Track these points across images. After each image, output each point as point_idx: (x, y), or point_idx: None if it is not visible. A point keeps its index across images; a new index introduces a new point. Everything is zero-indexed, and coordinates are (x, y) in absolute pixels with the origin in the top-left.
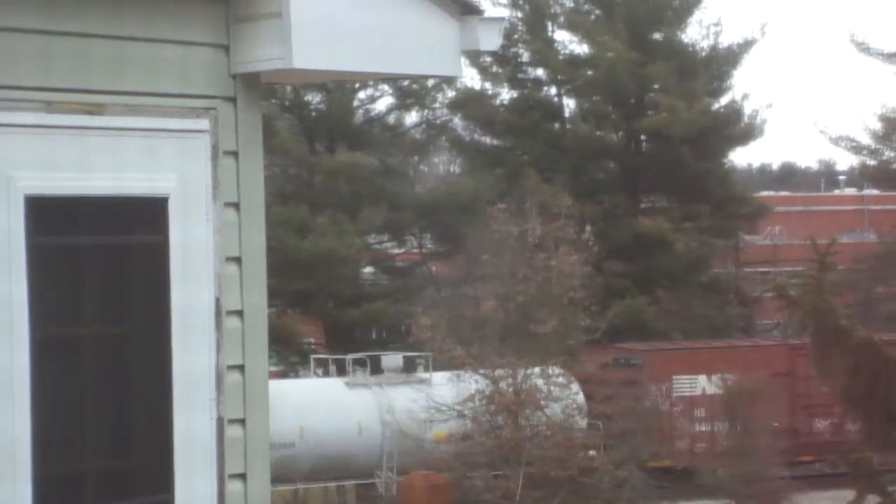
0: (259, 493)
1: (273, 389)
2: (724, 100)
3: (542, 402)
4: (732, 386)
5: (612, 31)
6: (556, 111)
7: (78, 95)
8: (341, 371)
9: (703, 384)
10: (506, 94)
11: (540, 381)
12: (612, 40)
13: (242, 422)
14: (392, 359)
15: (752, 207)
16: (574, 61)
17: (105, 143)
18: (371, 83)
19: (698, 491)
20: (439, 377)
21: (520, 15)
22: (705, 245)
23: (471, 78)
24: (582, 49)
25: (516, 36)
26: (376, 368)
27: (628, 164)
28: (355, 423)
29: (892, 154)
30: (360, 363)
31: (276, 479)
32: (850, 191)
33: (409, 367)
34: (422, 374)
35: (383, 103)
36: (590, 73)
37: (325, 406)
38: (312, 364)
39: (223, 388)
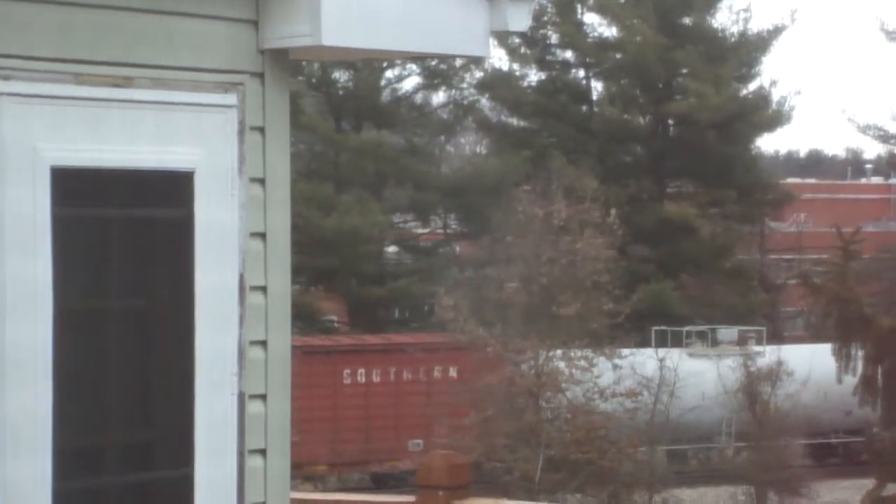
0: (279, 468)
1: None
2: (752, 86)
3: (564, 385)
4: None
5: (642, 15)
6: (583, 94)
7: (106, 68)
8: (676, 342)
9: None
10: (534, 76)
11: (562, 364)
12: (641, 24)
13: (264, 397)
14: (727, 332)
15: (778, 194)
16: (603, 44)
17: (131, 116)
18: (398, 62)
19: (719, 477)
20: (771, 350)
21: None
22: (730, 231)
23: (499, 59)
24: (611, 32)
25: (545, 18)
26: (713, 341)
27: (655, 148)
28: (698, 391)
29: None
30: (700, 335)
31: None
32: (877, 179)
33: (741, 340)
34: (755, 347)
35: (410, 82)
36: (618, 56)
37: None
38: (654, 336)
39: (245, 363)
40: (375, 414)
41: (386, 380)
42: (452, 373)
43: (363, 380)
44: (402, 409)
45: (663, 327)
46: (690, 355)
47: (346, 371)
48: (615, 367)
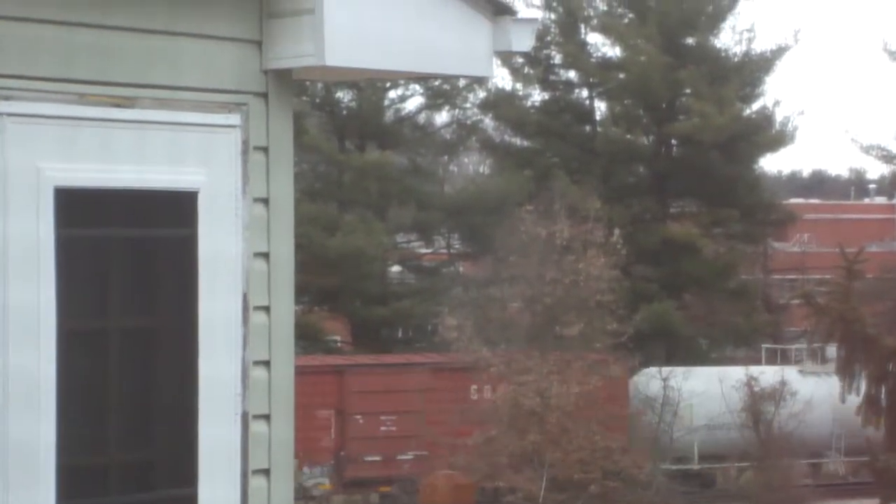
0: (282, 489)
1: (740, 376)
2: (755, 106)
3: (570, 408)
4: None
5: (645, 35)
6: (587, 114)
7: (109, 88)
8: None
9: None
10: (537, 96)
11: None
12: (644, 44)
13: (267, 418)
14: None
15: (782, 214)
16: (606, 64)
17: (135, 136)
18: (402, 82)
19: (722, 496)
20: None
21: (553, 17)
22: (734, 251)
23: (502, 78)
24: (614, 52)
25: (549, 38)
26: (822, 358)
27: (658, 168)
28: (809, 407)
29: None
30: (811, 354)
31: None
32: (880, 200)
33: None
34: None
35: (414, 102)
36: (622, 76)
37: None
38: (764, 353)
39: (248, 383)
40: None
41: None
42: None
43: (475, 397)
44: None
45: (773, 345)
46: (800, 372)
47: (474, 387)
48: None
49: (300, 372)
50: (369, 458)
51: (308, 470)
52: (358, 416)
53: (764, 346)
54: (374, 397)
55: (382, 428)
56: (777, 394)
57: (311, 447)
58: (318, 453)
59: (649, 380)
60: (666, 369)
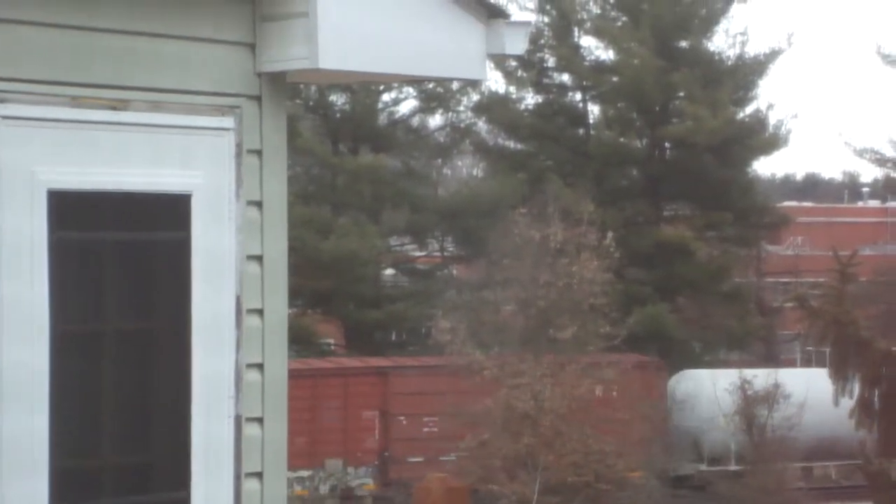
0: (275, 491)
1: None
2: (749, 109)
3: (564, 411)
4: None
5: (639, 38)
6: (580, 117)
7: (102, 91)
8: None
9: None
10: (530, 99)
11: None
12: (638, 47)
13: (260, 420)
14: None
15: (775, 217)
16: (599, 67)
17: (128, 139)
18: (395, 85)
19: (716, 500)
20: None
21: (546, 20)
22: (727, 254)
23: (495, 81)
24: (608, 55)
25: (542, 41)
26: None
27: (651, 171)
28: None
29: None
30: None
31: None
32: (874, 203)
33: None
34: None
35: (407, 105)
36: (615, 79)
37: (822, 395)
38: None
39: (242, 386)
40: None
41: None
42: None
43: None
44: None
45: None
46: None
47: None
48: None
49: (345, 374)
50: (412, 459)
51: (353, 470)
52: (401, 418)
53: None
54: (417, 399)
55: (425, 429)
56: (770, 397)
57: (355, 448)
58: (362, 454)
59: (686, 381)
60: (704, 371)
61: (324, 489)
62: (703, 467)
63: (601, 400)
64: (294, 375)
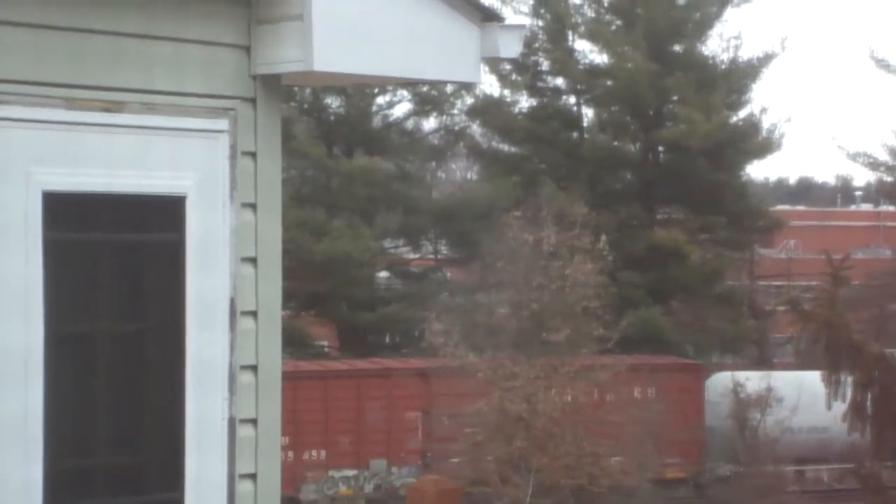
0: (269, 493)
1: (808, 380)
2: (742, 113)
3: (556, 414)
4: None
5: (633, 42)
6: (574, 120)
7: (97, 93)
8: None
9: None
10: (524, 102)
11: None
12: (632, 51)
13: (254, 422)
14: None
15: (768, 221)
16: (594, 71)
17: (124, 140)
18: (390, 88)
19: (708, 503)
20: None
21: (540, 23)
22: (720, 257)
23: (490, 85)
24: (602, 59)
25: (536, 44)
26: None
27: (645, 174)
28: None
29: None
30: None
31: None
32: (867, 207)
33: None
34: None
35: (402, 108)
36: (609, 83)
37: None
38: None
39: (236, 388)
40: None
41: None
42: (650, 392)
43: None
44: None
45: None
46: None
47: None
48: None
49: (389, 375)
50: (454, 460)
51: (397, 470)
52: (444, 418)
53: None
54: (459, 399)
55: (467, 430)
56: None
57: (399, 448)
58: (406, 454)
59: (722, 382)
60: (741, 373)
61: (368, 488)
62: (739, 469)
63: (639, 401)
64: (338, 376)
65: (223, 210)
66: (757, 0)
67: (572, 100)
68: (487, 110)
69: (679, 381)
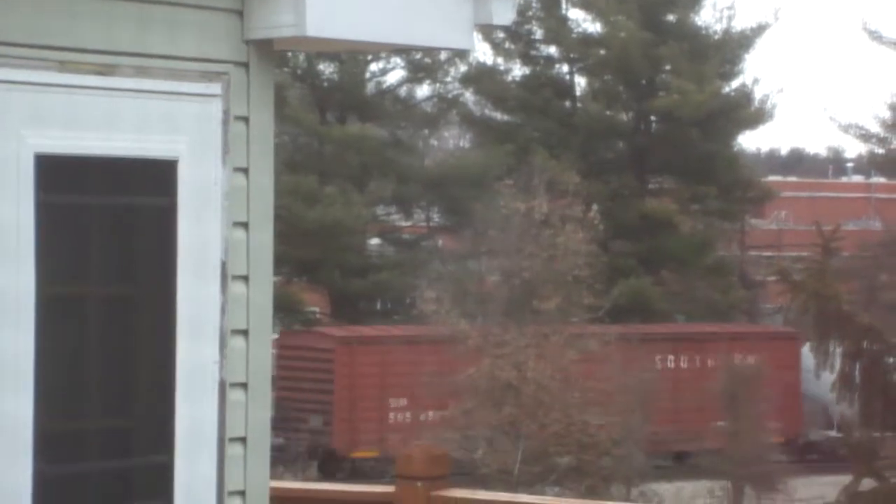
0: (258, 458)
1: None
2: (734, 83)
3: (545, 382)
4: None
5: (626, 11)
6: (567, 89)
7: (89, 56)
8: None
9: None
10: (518, 71)
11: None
12: (625, 20)
13: (244, 386)
14: None
15: (759, 192)
16: (587, 40)
17: (116, 104)
18: (383, 55)
19: (696, 471)
20: None
21: None
22: (711, 227)
23: (483, 53)
24: (595, 28)
25: (530, 13)
26: None
27: (637, 144)
28: None
29: None
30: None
31: None
32: (858, 178)
33: None
34: None
35: (395, 76)
36: (602, 52)
37: None
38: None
39: (226, 352)
40: (684, 397)
41: (692, 366)
42: (750, 360)
43: (672, 366)
44: (708, 393)
45: None
46: None
47: (658, 357)
48: None
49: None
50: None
51: None
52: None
53: None
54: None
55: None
56: None
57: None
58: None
59: None
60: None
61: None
62: (833, 433)
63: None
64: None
65: (215, 174)
66: None
67: (565, 68)
68: (480, 78)
69: (777, 350)
